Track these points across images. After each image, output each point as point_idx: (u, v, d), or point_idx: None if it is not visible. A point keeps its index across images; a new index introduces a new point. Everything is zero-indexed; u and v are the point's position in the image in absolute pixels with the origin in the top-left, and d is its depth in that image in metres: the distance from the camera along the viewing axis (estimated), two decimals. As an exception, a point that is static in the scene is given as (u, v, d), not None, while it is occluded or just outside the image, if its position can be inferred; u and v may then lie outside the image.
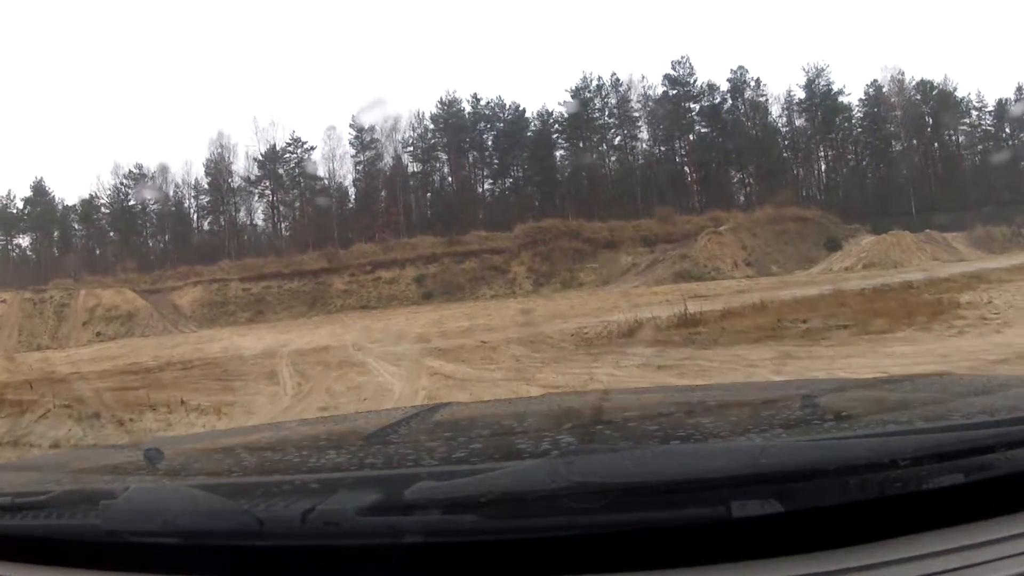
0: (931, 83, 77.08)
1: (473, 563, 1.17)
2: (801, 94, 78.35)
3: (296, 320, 51.67)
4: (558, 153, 78.89)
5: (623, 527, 1.13)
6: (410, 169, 78.19)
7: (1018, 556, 1.09)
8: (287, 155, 77.19)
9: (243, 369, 21.38)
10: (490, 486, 1.18)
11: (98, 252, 77.21)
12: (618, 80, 77.94)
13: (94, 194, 78.65)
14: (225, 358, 25.17)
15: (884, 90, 77.86)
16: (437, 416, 2.41)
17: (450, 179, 79.45)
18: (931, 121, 76.73)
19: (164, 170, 77.84)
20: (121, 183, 78.00)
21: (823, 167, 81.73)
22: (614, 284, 54.44)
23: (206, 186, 77.78)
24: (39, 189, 78.70)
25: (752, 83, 77.86)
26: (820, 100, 77.40)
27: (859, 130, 79.71)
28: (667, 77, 77.80)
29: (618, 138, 78.90)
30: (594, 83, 77.81)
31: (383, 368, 18.78)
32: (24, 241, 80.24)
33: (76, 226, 79.43)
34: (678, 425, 1.90)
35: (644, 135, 79.25)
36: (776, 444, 1.43)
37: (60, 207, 79.29)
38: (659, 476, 1.17)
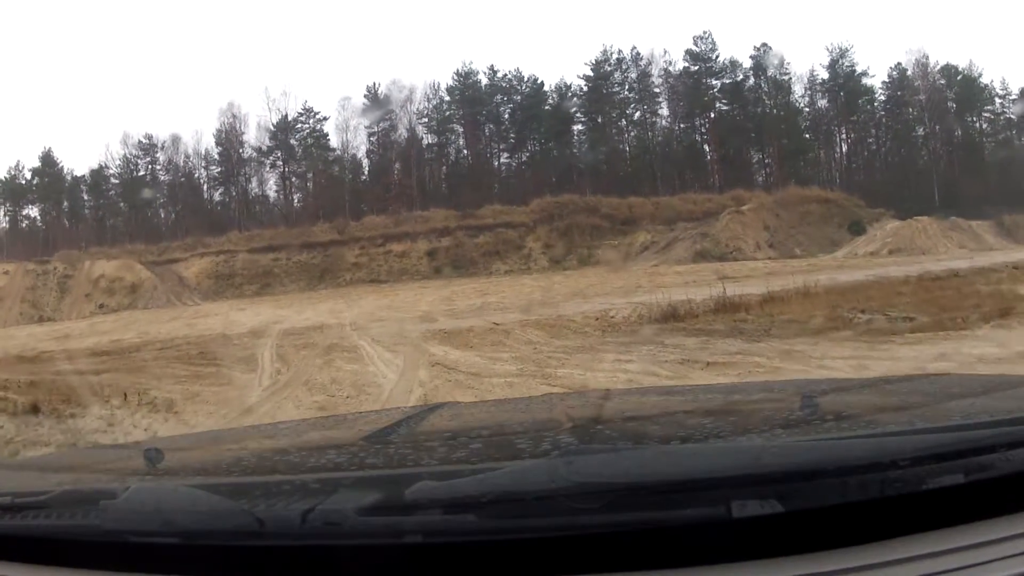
0: (956, 68, 73.95)
1: (473, 563, 1.15)
2: (824, 74, 75.10)
3: (303, 293, 49.08)
4: (576, 128, 75.70)
5: (623, 527, 1.12)
6: (425, 141, 75.01)
7: (1018, 556, 1.08)
8: (299, 125, 74.09)
9: (224, 351, 18.64)
10: (490, 486, 1.16)
11: (110, 223, 74.23)
12: (639, 54, 74.50)
13: (103, 164, 75.71)
14: (211, 336, 22.35)
15: (908, 73, 74.52)
16: (437, 416, 2.38)
17: (465, 152, 76.35)
18: (954, 107, 73.56)
19: (175, 140, 74.82)
20: (130, 153, 75.09)
21: (844, 149, 78.35)
22: (632, 262, 51.67)
23: (216, 157, 74.87)
24: (47, 159, 75.53)
25: (775, 61, 74.37)
26: (843, 81, 73.88)
27: (881, 113, 76.31)
28: (689, 52, 74.28)
29: (637, 113, 75.56)
30: (614, 57, 74.43)
31: (377, 354, 15.89)
32: (33, 212, 77.65)
33: (85, 197, 76.56)
34: (678, 425, 1.89)
35: (664, 111, 75.90)
36: (776, 444, 1.42)
37: (69, 177, 76.38)
38: (659, 476, 1.16)
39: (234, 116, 73.19)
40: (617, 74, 74.41)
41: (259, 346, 18.61)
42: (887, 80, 75.10)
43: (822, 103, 76.16)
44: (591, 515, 1.10)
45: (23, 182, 75.63)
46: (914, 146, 74.05)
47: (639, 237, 56.25)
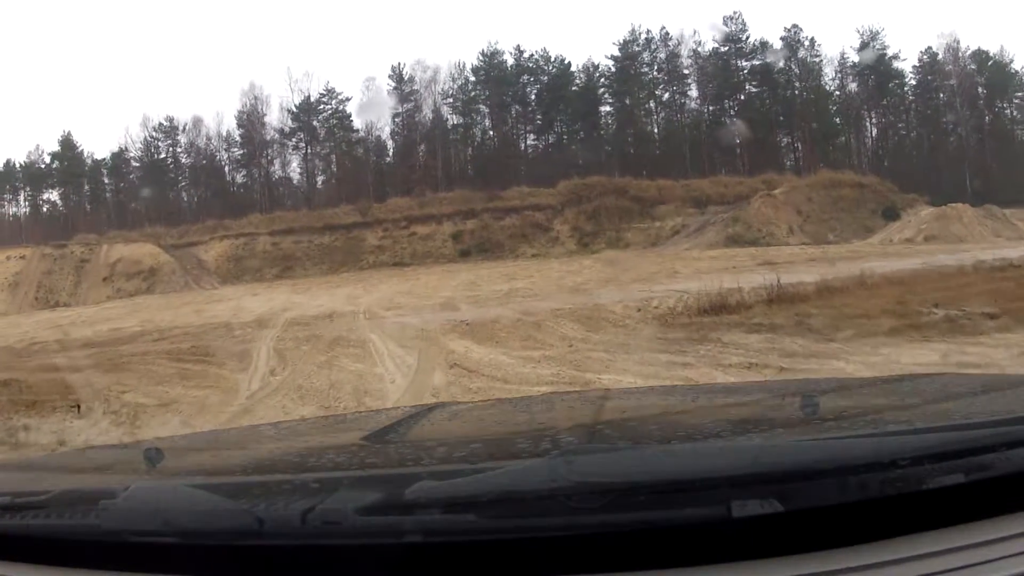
0: (987, 53, 71.48)
1: (473, 563, 1.13)
2: (855, 57, 72.42)
3: (324, 277, 46.92)
4: (604, 109, 73.17)
5: (623, 527, 1.09)
6: (450, 122, 72.74)
7: (1018, 556, 1.06)
8: (322, 106, 71.80)
9: (220, 343, 16.60)
10: (490, 486, 1.14)
11: (132, 206, 72.57)
12: (668, 34, 71.81)
13: (123, 147, 73.85)
14: (214, 326, 20.16)
15: (939, 58, 71.81)
16: (437, 416, 2.32)
17: (491, 133, 73.89)
18: (984, 93, 70.98)
19: (197, 122, 72.77)
20: (151, 136, 73.11)
21: (873, 134, 75.67)
22: (662, 246, 49.17)
23: (238, 139, 72.69)
24: (67, 143, 73.69)
25: (806, 43, 71.44)
26: (874, 64, 71.13)
27: (911, 98, 73.60)
28: (718, 33, 71.63)
29: (666, 95, 72.75)
30: (643, 36, 71.66)
31: (388, 350, 13.67)
32: (54, 196, 76.16)
33: (106, 180, 74.69)
34: (678, 425, 1.87)
35: (693, 93, 73.06)
36: (776, 444, 1.40)
37: (89, 161, 74.62)
38: (659, 476, 1.14)
39: (256, 98, 71.15)
40: (646, 54, 72.06)
41: (259, 339, 16.45)
42: (917, 64, 72.76)
43: (852, 87, 73.55)
44: (591, 515, 1.07)
45: (42, 166, 74.13)
46: (944, 132, 71.35)
47: (669, 220, 53.66)
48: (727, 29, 70.63)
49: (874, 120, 74.57)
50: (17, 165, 74.13)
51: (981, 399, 1.80)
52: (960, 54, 70.80)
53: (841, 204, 53.73)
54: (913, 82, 72.98)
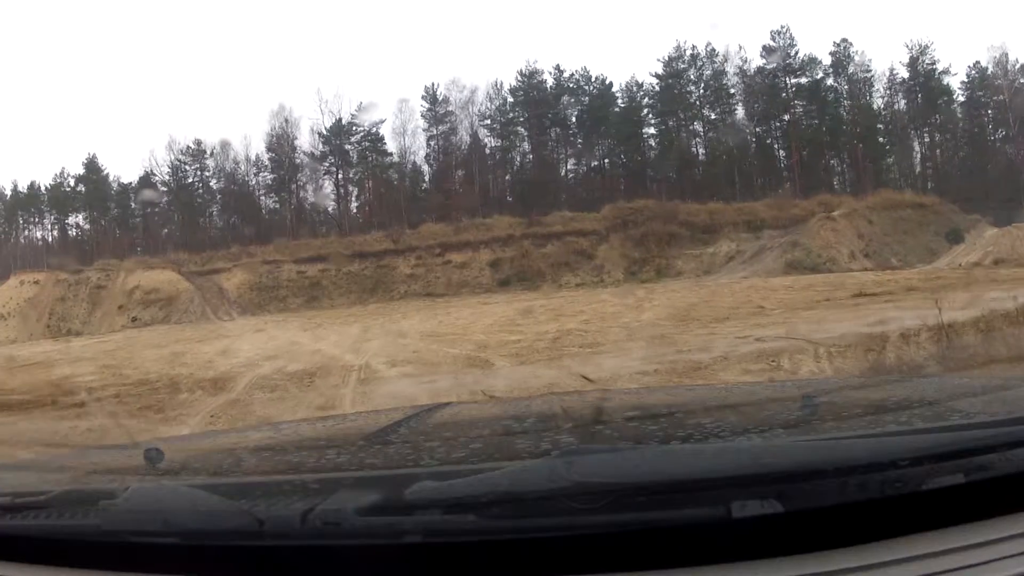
0: (1036, 65, 64.99)
1: (473, 563, 1.12)
2: (904, 73, 66.59)
3: (350, 308, 41.75)
4: (647, 131, 67.42)
5: (623, 527, 1.08)
6: (487, 145, 67.46)
7: (1018, 556, 1.05)
8: (354, 128, 66.24)
9: (132, 423, 10.57)
10: (490, 486, 1.12)
11: (165, 231, 68.25)
12: (713, 50, 65.89)
13: (149, 171, 69.14)
14: (159, 384, 14.10)
15: (988, 72, 65.87)
16: (437, 416, 2.25)
17: (530, 157, 68.32)
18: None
19: (224, 146, 67.95)
20: (176, 159, 68.31)
21: (922, 152, 69.58)
22: (717, 273, 43.45)
23: (267, 163, 67.68)
24: (92, 166, 69.60)
25: (856, 57, 65.80)
26: (923, 80, 65.36)
27: (960, 116, 67.71)
28: (765, 48, 65.69)
29: (712, 114, 66.87)
30: (688, 53, 65.80)
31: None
32: (80, 219, 72.09)
33: (133, 204, 69.93)
34: (678, 425, 1.81)
35: (740, 113, 67.23)
36: (776, 444, 1.39)
37: (115, 185, 70.35)
38: (659, 476, 1.13)
39: (286, 120, 66.04)
40: (691, 72, 66.28)
41: (192, 415, 10.57)
42: (966, 80, 66.91)
43: (901, 104, 68.13)
44: (591, 515, 1.06)
45: (68, 189, 70.22)
46: (995, 149, 65.95)
47: (722, 246, 48.02)
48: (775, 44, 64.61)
49: (924, 138, 69.03)
50: (43, 188, 70.67)
51: (981, 399, 1.74)
52: (1009, 67, 65.02)
53: (902, 226, 48.51)
54: (962, 98, 67.47)
